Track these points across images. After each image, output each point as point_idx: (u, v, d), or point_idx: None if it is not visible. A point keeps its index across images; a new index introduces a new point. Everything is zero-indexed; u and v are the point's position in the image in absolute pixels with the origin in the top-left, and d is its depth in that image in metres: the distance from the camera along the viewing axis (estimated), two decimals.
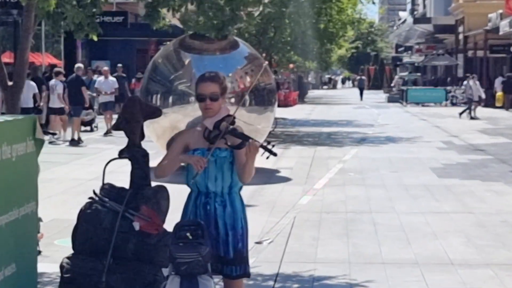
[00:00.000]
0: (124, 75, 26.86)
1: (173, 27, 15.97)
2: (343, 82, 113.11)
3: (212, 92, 4.69)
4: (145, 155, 5.81)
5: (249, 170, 4.61)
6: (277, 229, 9.20)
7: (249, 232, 4.82)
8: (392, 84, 65.39)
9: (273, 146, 4.56)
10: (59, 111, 19.70)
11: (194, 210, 4.72)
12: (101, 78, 22.06)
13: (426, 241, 8.68)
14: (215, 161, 4.66)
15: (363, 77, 66.27)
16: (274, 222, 9.63)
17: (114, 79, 22.55)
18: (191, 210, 4.74)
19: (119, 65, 27.12)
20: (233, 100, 12.83)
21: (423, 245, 8.47)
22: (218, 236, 4.68)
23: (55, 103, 19.57)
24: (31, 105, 18.93)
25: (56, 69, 21.48)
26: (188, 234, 4.50)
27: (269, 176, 13.53)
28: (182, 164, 4.78)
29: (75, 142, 18.98)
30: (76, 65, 21.11)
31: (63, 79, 20.01)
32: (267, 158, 4.54)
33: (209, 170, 4.65)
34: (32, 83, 19.37)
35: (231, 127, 4.62)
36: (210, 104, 4.68)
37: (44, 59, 29.02)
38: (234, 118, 4.69)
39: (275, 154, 4.53)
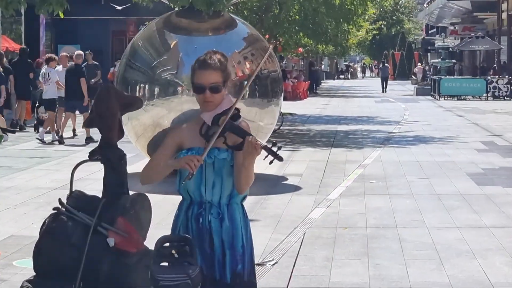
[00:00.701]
0: (95, 62, 26.81)
1: (156, 2, 15.99)
2: (362, 71, 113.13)
3: (213, 83, 4.54)
4: (121, 156, 5.80)
5: (246, 176, 4.48)
6: (283, 248, 9.20)
7: (254, 252, 4.70)
8: (415, 71, 65.49)
9: (279, 148, 4.36)
10: (50, 105, 19.94)
11: (185, 223, 4.61)
12: (59, 67, 22.06)
13: (462, 261, 8.69)
14: (212, 163, 4.53)
15: (386, 64, 66.33)
16: (279, 240, 9.63)
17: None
18: (181, 223, 4.62)
19: (88, 51, 27.03)
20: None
21: (458, 266, 8.47)
22: (213, 256, 4.58)
23: (48, 93, 19.93)
24: None
25: (48, 55, 21.92)
26: (173, 251, 4.48)
27: (274, 185, 13.52)
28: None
29: (90, 139, 19.14)
30: (76, 52, 21.24)
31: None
32: (270, 163, 4.37)
33: (206, 175, 4.53)
34: None
35: (231, 122, 4.45)
36: (210, 96, 4.54)
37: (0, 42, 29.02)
38: (238, 111, 4.53)
39: (280, 159, 4.36)
